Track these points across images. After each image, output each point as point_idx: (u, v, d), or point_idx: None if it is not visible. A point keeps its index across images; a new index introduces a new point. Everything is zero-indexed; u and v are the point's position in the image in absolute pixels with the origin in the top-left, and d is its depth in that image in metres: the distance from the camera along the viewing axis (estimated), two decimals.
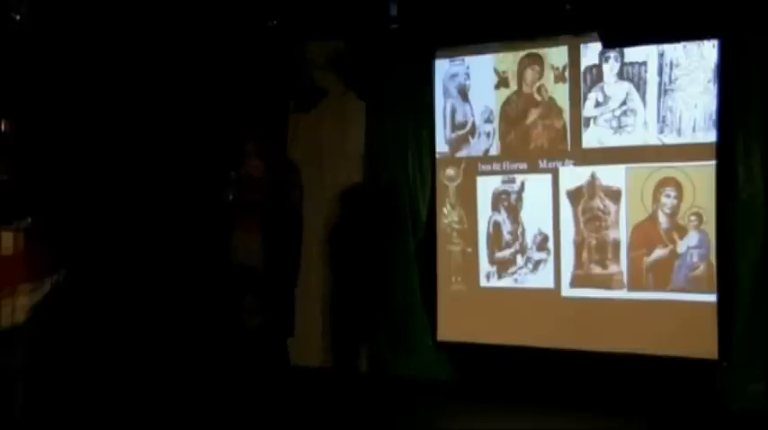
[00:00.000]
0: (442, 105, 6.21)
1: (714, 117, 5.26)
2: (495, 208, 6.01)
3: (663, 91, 5.43)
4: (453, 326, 6.10)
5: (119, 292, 5.71)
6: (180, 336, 6.04)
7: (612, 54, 5.56)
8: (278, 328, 5.53)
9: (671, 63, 5.40)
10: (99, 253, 5.52)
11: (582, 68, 5.69)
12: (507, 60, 5.97)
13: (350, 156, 6.52)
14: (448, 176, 6.19)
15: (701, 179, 5.30)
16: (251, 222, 5.39)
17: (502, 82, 5.99)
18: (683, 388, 5.27)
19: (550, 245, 5.79)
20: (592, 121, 5.66)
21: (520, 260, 5.91)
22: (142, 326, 5.82)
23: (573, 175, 5.71)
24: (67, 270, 4.42)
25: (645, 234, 5.48)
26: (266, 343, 5.36)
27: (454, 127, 6.18)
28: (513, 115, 5.95)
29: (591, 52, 5.64)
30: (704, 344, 5.21)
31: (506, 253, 5.97)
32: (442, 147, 6.20)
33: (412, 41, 5.96)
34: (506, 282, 5.96)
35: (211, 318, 6.30)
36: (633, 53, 5.50)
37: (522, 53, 5.91)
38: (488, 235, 6.03)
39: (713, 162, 5.26)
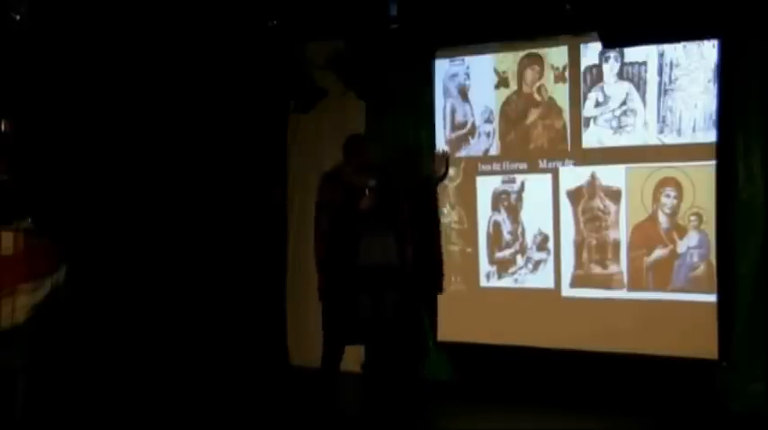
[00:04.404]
0: (441, 105, 6.20)
1: (714, 117, 5.25)
2: (494, 208, 6.01)
3: (663, 91, 5.42)
4: (453, 326, 6.09)
5: (119, 292, 5.72)
6: (178, 337, 6.05)
7: (612, 54, 5.56)
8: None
9: (671, 63, 5.40)
10: (99, 252, 5.53)
11: (582, 68, 5.68)
12: (507, 60, 5.96)
13: None
14: (448, 176, 6.17)
15: (701, 179, 5.29)
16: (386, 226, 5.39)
17: (502, 82, 5.99)
18: (682, 388, 5.27)
19: (550, 245, 5.78)
20: (592, 121, 5.66)
21: (520, 260, 5.91)
22: (141, 327, 5.83)
23: (573, 175, 5.71)
24: (68, 269, 4.41)
25: (645, 234, 5.48)
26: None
27: (454, 127, 6.17)
28: (512, 115, 5.94)
29: (591, 52, 5.63)
30: (704, 344, 5.20)
31: (506, 253, 5.96)
32: (441, 147, 6.19)
33: (412, 41, 5.95)
34: (506, 282, 5.95)
35: (209, 320, 6.32)
36: (633, 53, 5.49)
37: (522, 53, 5.90)
38: (488, 235, 6.03)
39: (713, 162, 5.26)
